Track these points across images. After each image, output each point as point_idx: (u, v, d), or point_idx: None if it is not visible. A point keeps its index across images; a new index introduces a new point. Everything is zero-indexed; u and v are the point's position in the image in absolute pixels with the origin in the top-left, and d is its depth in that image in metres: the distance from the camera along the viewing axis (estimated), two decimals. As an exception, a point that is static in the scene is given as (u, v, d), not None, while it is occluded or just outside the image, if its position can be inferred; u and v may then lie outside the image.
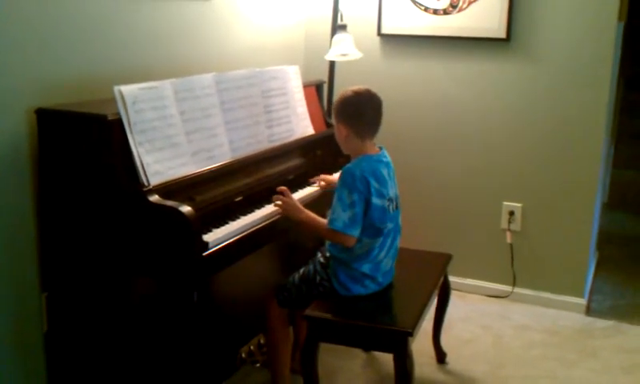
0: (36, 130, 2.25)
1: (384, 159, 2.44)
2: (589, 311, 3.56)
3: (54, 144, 2.23)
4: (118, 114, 2.12)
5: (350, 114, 2.41)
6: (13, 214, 2.26)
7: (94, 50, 2.51)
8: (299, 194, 2.70)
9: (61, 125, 2.22)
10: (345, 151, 2.49)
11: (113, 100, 2.14)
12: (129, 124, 2.14)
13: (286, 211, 2.43)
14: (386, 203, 2.38)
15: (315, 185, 2.81)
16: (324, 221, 2.40)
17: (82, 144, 2.18)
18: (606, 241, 4.43)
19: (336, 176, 2.79)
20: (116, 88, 2.13)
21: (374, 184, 2.33)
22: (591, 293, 3.73)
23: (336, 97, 2.49)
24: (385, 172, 2.40)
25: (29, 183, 2.30)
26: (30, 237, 2.33)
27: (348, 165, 2.38)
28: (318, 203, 2.66)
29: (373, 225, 2.37)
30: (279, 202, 2.44)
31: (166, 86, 2.32)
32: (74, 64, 2.43)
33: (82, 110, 2.23)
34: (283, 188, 2.47)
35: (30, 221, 2.32)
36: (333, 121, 2.48)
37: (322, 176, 2.84)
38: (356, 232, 2.34)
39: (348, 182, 2.33)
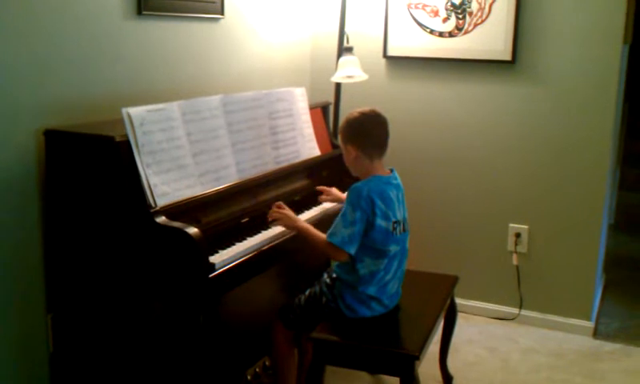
0: (44, 151, 2.27)
1: (394, 181, 2.44)
2: (596, 334, 3.53)
3: (61, 165, 2.25)
4: (126, 135, 2.14)
5: (358, 135, 2.41)
6: (20, 234, 2.27)
7: (102, 71, 2.53)
8: (305, 215, 2.70)
9: (69, 146, 2.23)
10: (354, 173, 2.50)
11: (121, 121, 2.15)
12: (136, 145, 2.15)
13: (282, 220, 2.45)
14: (391, 226, 2.37)
15: (322, 197, 2.84)
16: (321, 234, 2.41)
17: (90, 165, 2.20)
18: (612, 263, 4.41)
19: (322, 207, 2.84)
20: (124, 110, 2.15)
21: (379, 205, 2.33)
22: (598, 315, 3.71)
23: (342, 119, 2.49)
24: (393, 194, 2.40)
25: (36, 203, 2.31)
26: (36, 257, 2.33)
27: (357, 183, 2.38)
28: (322, 224, 2.65)
29: (374, 246, 2.36)
30: (275, 212, 2.46)
31: (174, 107, 2.34)
32: (82, 85, 2.45)
33: (90, 131, 2.24)
34: (278, 203, 2.51)
35: (37, 241, 2.33)
36: (340, 143, 2.48)
37: (333, 189, 2.86)
38: (352, 250, 2.34)
39: (353, 199, 2.33)
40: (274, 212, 2.48)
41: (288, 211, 2.48)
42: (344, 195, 2.79)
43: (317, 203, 2.86)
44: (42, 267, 2.35)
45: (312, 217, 2.72)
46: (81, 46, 2.43)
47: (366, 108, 2.46)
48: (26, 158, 2.26)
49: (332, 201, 2.85)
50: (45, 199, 2.31)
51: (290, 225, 2.45)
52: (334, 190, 2.88)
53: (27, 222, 2.29)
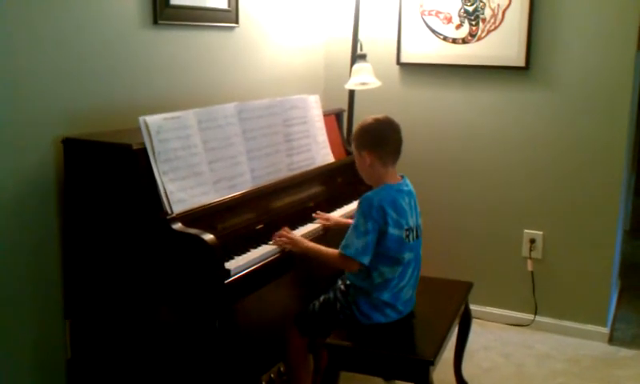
0: (62, 159, 2.30)
1: (405, 188, 2.44)
2: (612, 340, 3.52)
3: (79, 172, 2.28)
4: (143, 143, 2.16)
5: (373, 141, 2.41)
6: (38, 241, 2.30)
7: (119, 80, 2.57)
8: (314, 225, 2.69)
9: (87, 154, 2.26)
10: (367, 181, 2.49)
11: (138, 129, 2.18)
12: (153, 153, 2.17)
13: (290, 245, 2.43)
14: (404, 233, 2.38)
15: (317, 221, 2.75)
16: (330, 249, 2.42)
17: (108, 173, 2.23)
18: (628, 269, 4.38)
19: (337, 214, 2.84)
20: (141, 118, 2.18)
21: (391, 214, 2.33)
22: (614, 321, 3.69)
23: (356, 126, 2.50)
24: (405, 201, 2.40)
25: (54, 211, 2.34)
26: (54, 264, 2.36)
27: (367, 193, 2.39)
28: (328, 237, 2.66)
29: (388, 255, 2.37)
30: (283, 238, 2.43)
31: (190, 115, 2.36)
32: (99, 94, 2.49)
33: (108, 139, 2.27)
34: (281, 233, 2.45)
35: (55, 248, 2.36)
36: (354, 150, 2.48)
37: (329, 215, 2.80)
38: (365, 260, 2.34)
39: (365, 209, 2.34)
40: (280, 235, 2.44)
41: (294, 235, 2.47)
42: (342, 220, 2.77)
43: (332, 210, 2.87)
44: (60, 273, 2.38)
45: (318, 227, 2.71)
46: (98, 55, 2.47)
47: (379, 115, 2.47)
48: (45, 166, 2.29)
49: (333, 225, 2.73)
50: (63, 206, 2.34)
51: (299, 248, 2.44)
52: (331, 216, 2.79)
53: (46, 229, 2.32)
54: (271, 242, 2.43)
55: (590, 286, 3.52)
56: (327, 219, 2.76)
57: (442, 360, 2.38)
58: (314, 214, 2.79)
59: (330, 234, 2.67)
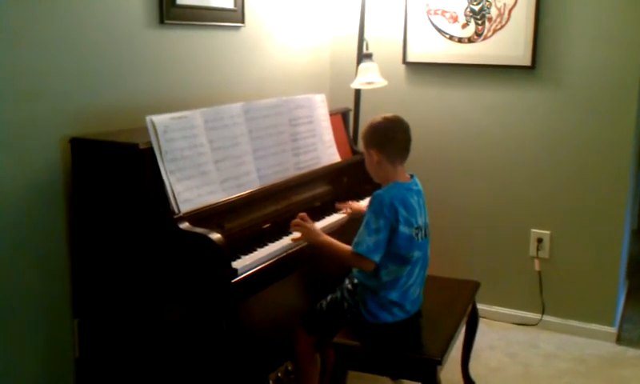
0: (70, 159, 2.31)
1: (414, 187, 2.44)
2: (619, 340, 3.50)
3: (87, 172, 2.29)
4: (150, 143, 2.17)
5: (381, 140, 2.42)
6: (46, 240, 2.31)
7: (126, 79, 2.57)
8: (326, 221, 2.71)
9: (94, 153, 2.27)
10: (376, 179, 2.49)
11: (144, 129, 2.19)
12: (160, 153, 2.18)
13: (306, 235, 2.45)
14: (414, 232, 2.38)
15: (342, 211, 2.82)
16: (344, 245, 2.41)
17: (115, 172, 2.23)
18: (636, 268, 4.36)
19: (363, 203, 2.82)
20: (148, 118, 2.18)
21: (402, 212, 2.34)
22: (622, 321, 3.67)
23: (364, 124, 2.50)
24: (414, 200, 2.40)
25: (62, 210, 2.35)
26: (62, 263, 2.37)
27: (378, 191, 2.39)
28: (344, 231, 2.67)
29: (398, 253, 2.37)
30: (299, 226, 2.45)
31: (196, 115, 2.36)
32: (107, 94, 2.49)
33: (115, 139, 2.28)
34: (302, 214, 2.50)
35: (63, 247, 2.37)
36: (362, 149, 2.49)
37: (349, 203, 2.86)
38: (377, 257, 2.34)
39: (376, 207, 2.34)
40: (297, 224, 2.47)
41: (311, 225, 2.47)
42: (363, 205, 2.80)
43: (337, 210, 2.87)
44: (68, 272, 2.39)
45: (335, 222, 2.73)
46: (105, 55, 2.47)
47: (389, 114, 2.47)
48: (53, 166, 2.30)
49: (353, 213, 2.82)
50: (71, 206, 2.35)
51: (313, 239, 2.44)
52: (352, 203, 2.87)
53: (53, 228, 2.33)
54: (290, 230, 2.46)
55: (597, 286, 3.51)
56: (349, 207, 2.83)
57: (449, 359, 2.38)
58: (337, 204, 2.85)
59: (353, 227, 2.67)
